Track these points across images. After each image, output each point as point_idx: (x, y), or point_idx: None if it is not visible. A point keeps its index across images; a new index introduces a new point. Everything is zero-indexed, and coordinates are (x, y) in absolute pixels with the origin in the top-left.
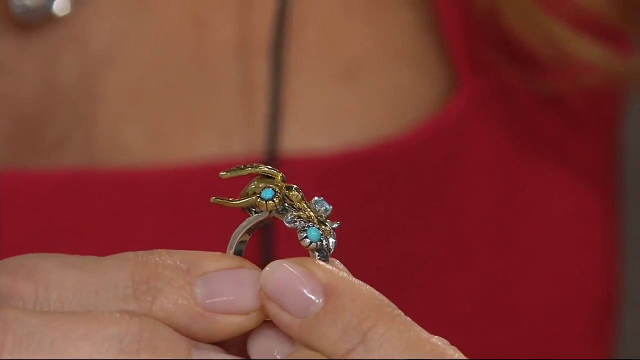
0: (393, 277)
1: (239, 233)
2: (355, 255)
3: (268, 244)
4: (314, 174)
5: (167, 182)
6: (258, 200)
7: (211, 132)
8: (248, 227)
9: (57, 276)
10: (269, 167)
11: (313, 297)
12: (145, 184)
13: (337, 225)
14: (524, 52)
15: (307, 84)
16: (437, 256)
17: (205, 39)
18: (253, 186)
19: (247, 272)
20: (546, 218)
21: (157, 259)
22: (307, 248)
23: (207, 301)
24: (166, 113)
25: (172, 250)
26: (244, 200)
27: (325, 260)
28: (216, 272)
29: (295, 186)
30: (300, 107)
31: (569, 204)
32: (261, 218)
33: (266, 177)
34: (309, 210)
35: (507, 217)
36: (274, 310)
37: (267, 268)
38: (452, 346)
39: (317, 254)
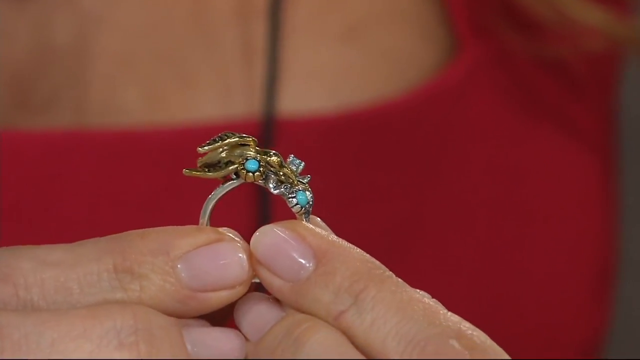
0: (391, 239)
1: (212, 201)
2: (354, 216)
3: (265, 205)
4: (312, 135)
5: (163, 143)
6: (243, 172)
7: (208, 93)
8: (222, 194)
9: (35, 277)
10: (243, 134)
11: (304, 261)
12: (141, 145)
13: (309, 178)
14: (525, 16)
15: (306, 45)
16: (436, 218)
17: (203, 0)
18: (224, 154)
19: (227, 245)
20: (545, 182)
21: (134, 245)
22: (298, 213)
23: (193, 282)
24: (162, 74)
25: (145, 231)
26: (224, 171)
27: (307, 217)
28: (196, 250)
29: (273, 151)
30: (299, 68)
31: (567, 168)
32: (236, 185)
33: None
34: (288, 172)
35: (506, 180)
36: (264, 275)
37: (257, 233)
38: (439, 303)
39: (304, 215)
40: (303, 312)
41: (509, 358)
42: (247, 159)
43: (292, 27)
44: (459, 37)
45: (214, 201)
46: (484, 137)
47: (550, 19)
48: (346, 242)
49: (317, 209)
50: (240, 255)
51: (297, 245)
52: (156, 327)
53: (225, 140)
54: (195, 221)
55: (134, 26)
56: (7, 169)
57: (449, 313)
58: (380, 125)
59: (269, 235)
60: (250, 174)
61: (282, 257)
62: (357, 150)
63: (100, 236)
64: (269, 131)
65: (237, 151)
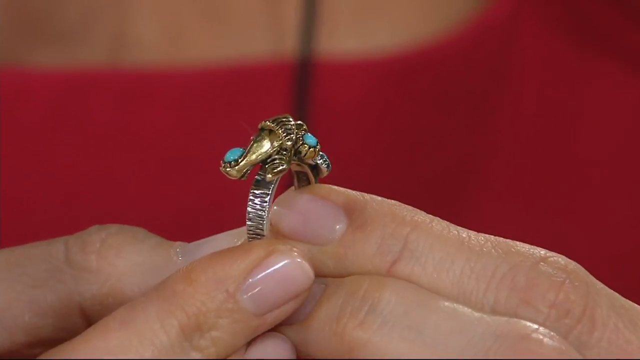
0: (445, 185)
1: (268, 204)
2: (405, 163)
3: None
4: (356, 79)
5: (185, 85)
6: (307, 149)
7: (233, 30)
8: (275, 188)
9: None
10: (277, 117)
11: (335, 220)
12: (162, 86)
13: None
14: None
15: None
16: (492, 161)
17: None
18: (268, 146)
19: (281, 256)
20: (607, 120)
21: (188, 296)
22: (326, 173)
23: (260, 308)
24: (184, 8)
25: (187, 274)
26: (290, 156)
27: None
28: (252, 272)
29: (299, 122)
30: (333, 9)
31: (632, 105)
32: (283, 174)
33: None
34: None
35: (564, 119)
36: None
37: (275, 207)
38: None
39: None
40: (346, 274)
41: (596, 280)
42: (305, 134)
43: None
44: None
45: (270, 203)
46: (539, 71)
47: None
48: (372, 195)
49: (365, 158)
50: (298, 260)
51: (322, 205)
52: None
53: (268, 130)
54: (214, 166)
55: None
56: (18, 107)
57: (518, 242)
58: (429, 66)
59: (290, 204)
60: (312, 149)
61: (310, 221)
62: (405, 94)
63: (119, 179)
64: (306, 74)
65: (274, 137)
